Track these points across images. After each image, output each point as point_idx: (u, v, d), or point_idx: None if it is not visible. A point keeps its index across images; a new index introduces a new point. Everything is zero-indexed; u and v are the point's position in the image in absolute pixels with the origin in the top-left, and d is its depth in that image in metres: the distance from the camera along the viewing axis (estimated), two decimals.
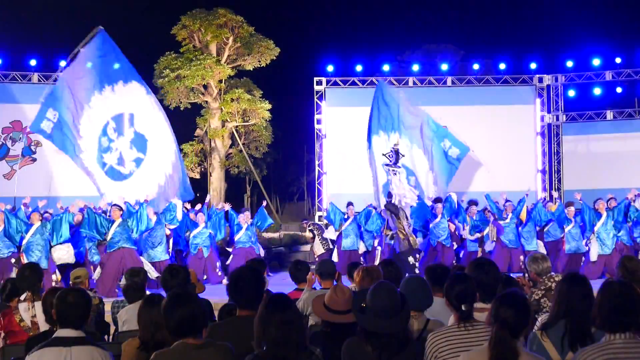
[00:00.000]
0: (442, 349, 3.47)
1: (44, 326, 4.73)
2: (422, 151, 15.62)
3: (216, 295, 7.86)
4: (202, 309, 3.34)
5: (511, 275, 5.50)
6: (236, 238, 13.99)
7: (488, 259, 4.52)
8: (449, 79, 18.92)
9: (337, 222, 14.39)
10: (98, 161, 13.70)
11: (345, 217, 14.38)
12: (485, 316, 3.26)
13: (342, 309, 3.90)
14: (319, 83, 18.73)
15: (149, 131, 14.14)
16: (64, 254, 12.02)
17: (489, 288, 3.90)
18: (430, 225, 13.73)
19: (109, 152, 13.89)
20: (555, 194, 17.44)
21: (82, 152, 13.48)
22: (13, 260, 11.81)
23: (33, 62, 17.83)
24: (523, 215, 13.80)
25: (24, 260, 11.25)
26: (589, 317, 3.18)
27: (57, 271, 12.03)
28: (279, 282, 12.29)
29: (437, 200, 14.30)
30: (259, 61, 20.01)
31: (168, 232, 13.10)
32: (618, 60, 18.78)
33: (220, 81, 19.68)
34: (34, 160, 17.19)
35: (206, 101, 20.08)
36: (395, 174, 13.76)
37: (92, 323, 5.44)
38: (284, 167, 31.80)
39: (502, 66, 18.94)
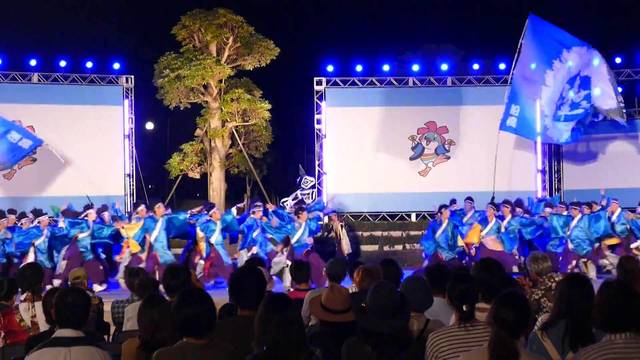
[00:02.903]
0: (442, 349, 3.48)
1: (44, 326, 4.73)
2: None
3: (216, 295, 7.85)
4: (211, 311, 3.34)
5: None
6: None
7: (494, 259, 4.51)
8: (449, 79, 18.89)
9: None
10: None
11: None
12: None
13: (339, 308, 3.90)
14: (319, 83, 18.71)
15: None
16: None
17: (494, 288, 3.89)
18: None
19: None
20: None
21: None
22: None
23: (33, 62, 17.81)
24: None
25: None
26: (590, 317, 3.18)
27: None
28: (279, 282, 12.30)
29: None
30: (259, 61, 19.99)
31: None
32: (618, 60, 18.77)
33: (220, 81, 19.66)
34: (34, 160, 17.18)
35: (206, 101, 20.07)
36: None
37: (91, 323, 5.44)
38: (284, 167, 31.79)
39: (502, 66, 18.91)
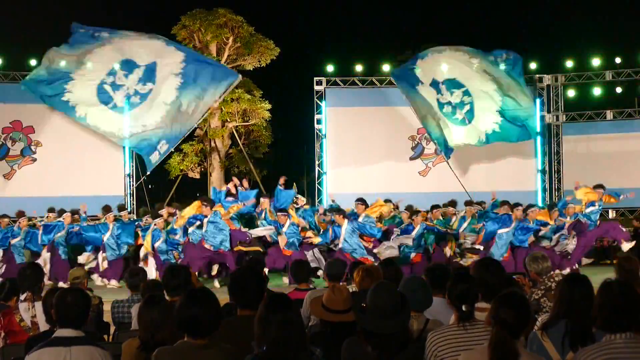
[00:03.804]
0: (441, 348, 3.48)
1: (44, 326, 4.73)
2: None
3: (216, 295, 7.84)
4: (215, 313, 3.34)
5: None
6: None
7: (494, 259, 4.53)
8: None
9: None
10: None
11: None
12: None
13: (340, 308, 3.90)
14: (319, 83, 18.71)
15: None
16: None
17: (493, 288, 3.89)
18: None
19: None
20: None
21: None
22: None
23: (33, 62, 17.78)
24: None
25: None
26: (590, 317, 3.18)
27: None
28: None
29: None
30: (259, 61, 20.00)
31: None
32: (618, 60, 18.78)
33: None
34: (34, 160, 17.18)
35: None
36: None
37: (91, 323, 5.44)
38: (284, 167, 31.78)
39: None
